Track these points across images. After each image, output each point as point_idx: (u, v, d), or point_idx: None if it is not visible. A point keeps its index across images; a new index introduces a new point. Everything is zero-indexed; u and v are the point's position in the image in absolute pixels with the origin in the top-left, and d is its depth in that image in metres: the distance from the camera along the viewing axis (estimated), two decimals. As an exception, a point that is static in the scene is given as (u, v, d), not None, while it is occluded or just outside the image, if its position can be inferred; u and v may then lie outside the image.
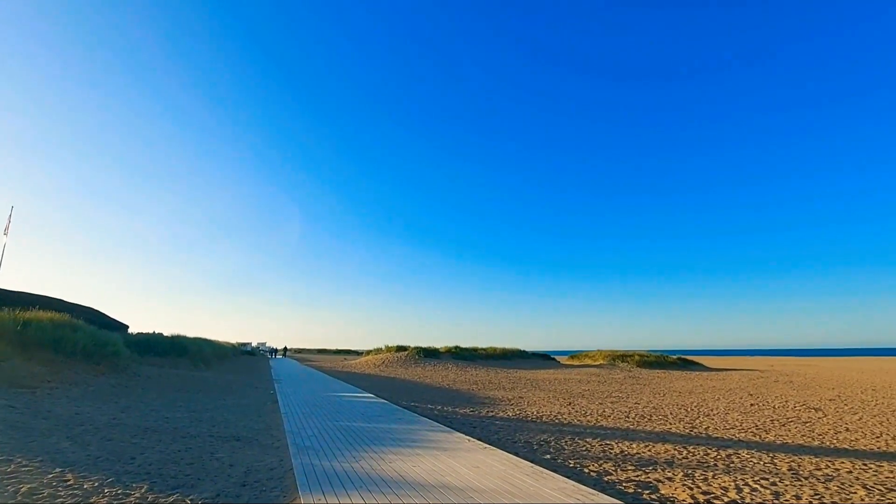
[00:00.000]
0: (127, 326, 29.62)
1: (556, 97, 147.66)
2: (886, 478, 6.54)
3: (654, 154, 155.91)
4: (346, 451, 6.89)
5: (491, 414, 12.19)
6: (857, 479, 6.47)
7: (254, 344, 68.09)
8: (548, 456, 7.38)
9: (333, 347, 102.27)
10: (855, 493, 5.80)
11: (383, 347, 39.33)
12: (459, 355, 35.83)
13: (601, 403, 14.92)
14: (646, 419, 11.74)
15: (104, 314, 27.34)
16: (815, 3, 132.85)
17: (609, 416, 12.09)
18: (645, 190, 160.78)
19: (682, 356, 39.66)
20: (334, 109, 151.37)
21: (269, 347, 66.36)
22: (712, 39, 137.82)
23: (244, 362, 35.49)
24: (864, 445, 8.80)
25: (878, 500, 5.55)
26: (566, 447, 8.13)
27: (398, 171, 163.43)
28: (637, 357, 34.79)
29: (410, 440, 7.85)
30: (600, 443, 8.62)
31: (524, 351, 39.55)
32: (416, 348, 35.61)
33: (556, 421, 11.21)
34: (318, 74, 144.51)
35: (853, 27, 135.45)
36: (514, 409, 13.11)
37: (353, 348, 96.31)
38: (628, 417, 11.99)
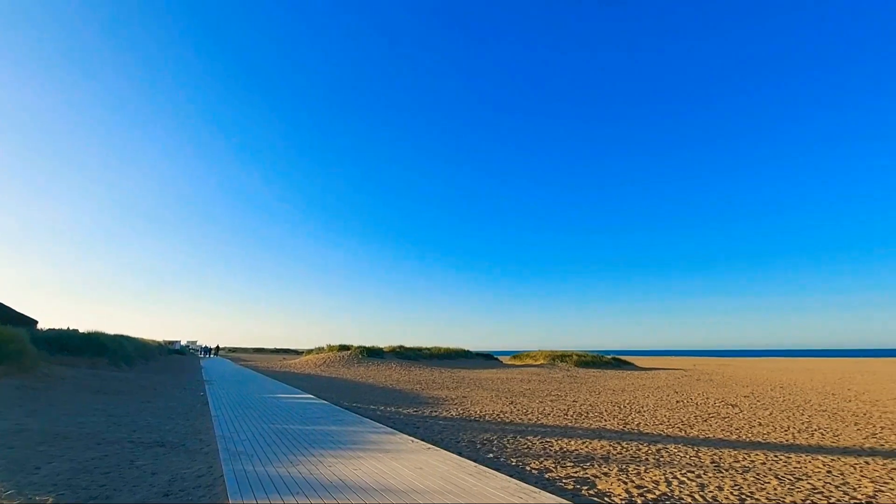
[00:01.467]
0: (35, 322, 26.92)
1: (485, 85, 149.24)
2: (794, 468, 7.14)
3: (595, 149, 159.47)
4: (282, 455, 6.56)
5: (435, 413, 12.15)
6: (770, 469, 7.02)
7: (183, 342, 64.10)
8: (491, 455, 7.42)
9: (272, 347, 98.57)
10: (769, 482, 6.28)
11: (325, 347, 38.33)
12: (404, 355, 35.62)
13: (542, 402, 15.32)
14: (583, 416, 12.16)
15: (7, 307, 24.68)
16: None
17: (549, 415, 12.42)
18: (591, 185, 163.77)
19: (616, 356, 41.72)
20: (276, 95, 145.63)
21: (201, 346, 62.74)
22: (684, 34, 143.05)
23: (172, 362, 33.31)
24: (775, 438, 9.58)
25: (788, 489, 6.04)
26: (508, 445, 8.23)
27: (342, 163, 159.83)
28: (575, 357, 36.19)
29: (351, 442, 7.63)
30: (541, 440, 8.81)
31: (468, 351, 40.01)
32: (359, 348, 34.99)
33: (499, 420, 11.35)
34: (248, 52, 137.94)
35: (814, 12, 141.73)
36: (457, 409, 13.15)
37: (293, 348, 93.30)
38: (567, 415, 12.37)
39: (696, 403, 15.45)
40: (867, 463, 7.48)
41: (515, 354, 43.27)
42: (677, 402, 15.95)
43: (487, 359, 40.02)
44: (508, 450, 7.89)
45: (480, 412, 12.58)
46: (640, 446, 8.51)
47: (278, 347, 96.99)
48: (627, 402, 15.84)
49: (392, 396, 16.07)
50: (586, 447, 8.33)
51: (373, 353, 34.37)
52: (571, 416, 12.30)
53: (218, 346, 65.13)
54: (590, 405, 14.68)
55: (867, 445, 8.90)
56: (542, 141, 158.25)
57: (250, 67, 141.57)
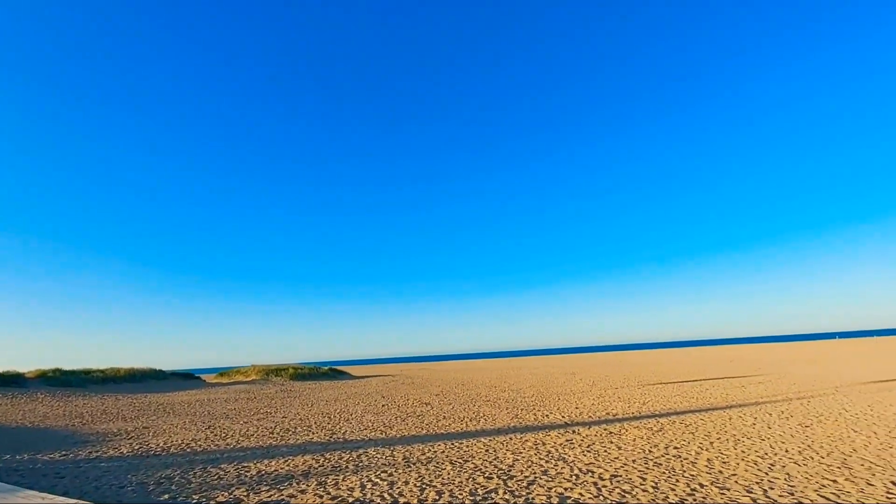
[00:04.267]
0: None
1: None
2: (464, 451, 8.51)
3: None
4: None
5: (96, 454, 9.48)
6: (448, 456, 8.16)
7: None
8: (166, 496, 6.17)
9: None
10: (444, 469, 7.25)
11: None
12: (59, 380, 27.19)
13: (246, 422, 14.02)
14: (290, 432, 11.67)
15: None
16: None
17: (252, 435, 11.41)
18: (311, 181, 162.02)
19: (333, 367, 42.60)
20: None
21: None
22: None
23: None
24: (454, 428, 11.33)
25: (458, 471, 7.09)
26: (194, 480, 7.05)
27: None
28: (291, 370, 35.10)
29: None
30: (237, 466, 7.91)
31: (160, 371, 33.67)
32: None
33: (189, 450, 9.72)
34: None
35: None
36: (132, 444, 10.65)
37: None
38: (273, 433, 11.64)
39: (399, 405, 17.02)
40: (510, 439, 9.59)
41: (223, 371, 38.93)
42: (383, 405, 17.22)
43: (186, 378, 34.60)
44: (192, 485, 6.74)
45: (165, 444, 10.54)
46: (343, 454, 8.65)
47: None
48: (338, 411, 16.15)
49: (29, 439, 11.84)
50: (288, 465, 7.91)
51: (5, 382, 24.96)
52: (278, 433, 11.63)
53: None
54: (300, 419, 14.28)
55: (511, 424, 11.47)
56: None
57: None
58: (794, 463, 6.87)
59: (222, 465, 8.03)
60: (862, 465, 6.60)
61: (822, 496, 5.38)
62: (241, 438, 10.99)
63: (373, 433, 11.11)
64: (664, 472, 6.63)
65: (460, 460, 7.84)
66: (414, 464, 7.70)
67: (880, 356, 31.55)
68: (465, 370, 44.35)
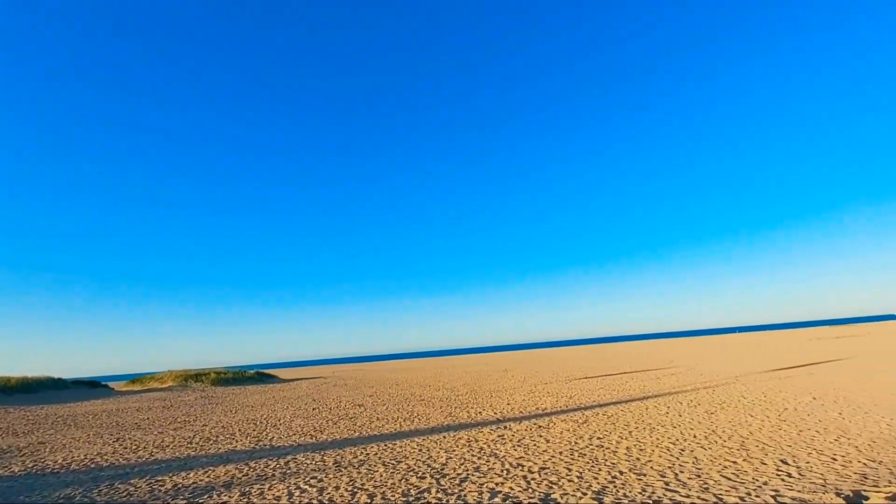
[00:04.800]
0: None
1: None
2: (398, 452, 8.44)
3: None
4: None
5: (-24, 477, 8.33)
6: (380, 458, 8.05)
7: None
8: (64, 518, 5.55)
9: None
10: (377, 470, 7.15)
11: None
12: (-65, 395, 23.66)
13: (161, 432, 12.99)
14: (211, 441, 10.96)
15: None
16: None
17: (168, 446, 10.59)
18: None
19: (260, 370, 40.65)
20: None
21: None
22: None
23: None
24: (388, 429, 11.21)
25: (391, 472, 7.02)
26: (99, 499, 6.41)
27: None
28: (213, 375, 32.99)
29: None
30: (149, 481, 7.29)
31: (59, 379, 30.33)
32: None
33: (93, 466, 8.82)
34: None
35: None
36: (25, 462, 9.49)
37: None
38: (192, 443, 10.87)
39: (330, 408, 16.57)
40: (444, 438, 9.65)
41: (135, 378, 35.82)
42: (314, 409, 16.68)
43: (92, 387, 31.42)
44: (97, 504, 6.12)
45: (65, 460, 9.49)
46: (270, 462, 8.27)
47: None
48: (265, 416, 15.41)
49: None
50: (208, 476, 7.42)
51: None
52: (197, 443, 10.88)
53: None
54: (222, 427, 13.46)
55: (445, 423, 11.56)
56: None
57: None
58: (701, 447, 7.49)
59: (132, 481, 7.37)
60: (757, 446, 7.34)
61: (723, 476, 5.91)
62: (154, 450, 10.16)
63: (302, 438, 10.72)
64: (588, 462, 6.98)
65: (393, 461, 7.76)
66: (345, 467, 7.51)
67: (773, 348, 35.37)
68: (400, 370, 44.12)
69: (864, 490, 5.03)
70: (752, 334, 79.87)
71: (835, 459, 6.34)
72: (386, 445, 9.20)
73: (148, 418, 16.86)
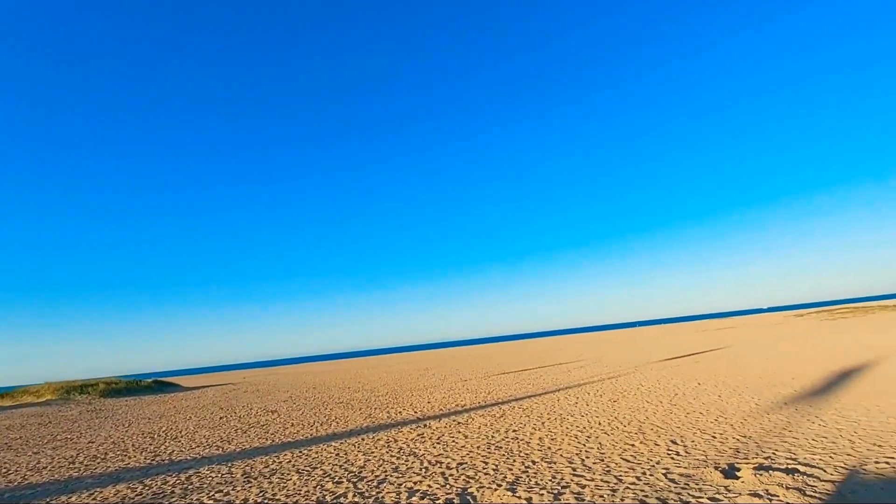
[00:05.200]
0: None
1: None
2: (313, 458, 8.13)
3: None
4: None
5: None
6: (294, 466, 7.70)
7: None
8: None
9: None
10: (290, 479, 6.83)
11: None
12: None
13: (37, 452, 11.38)
14: (99, 460, 9.80)
15: None
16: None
17: (45, 468, 9.29)
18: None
19: (159, 378, 37.16)
20: None
21: None
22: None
23: None
24: (303, 435, 10.76)
25: (305, 480, 6.74)
26: (-52, 536, 5.45)
27: None
28: (102, 385, 29.52)
29: None
30: (17, 511, 6.35)
31: None
32: None
33: (-59, 498, 7.49)
34: None
35: None
36: None
37: None
38: (74, 463, 9.64)
39: (240, 416, 15.57)
40: (363, 440, 9.47)
41: (2, 393, 31.01)
42: (221, 418, 15.57)
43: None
44: (-54, 543, 5.21)
45: None
46: (169, 478, 7.57)
47: None
48: (164, 429, 14.10)
49: None
50: (93, 499, 6.62)
51: None
52: (81, 462, 9.67)
53: None
54: (113, 443, 12.10)
55: (364, 425, 11.36)
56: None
57: None
58: (605, 433, 8.07)
59: (-5, 512, 6.38)
60: (652, 429, 8.06)
61: (623, 459, 6.41)
62: (28, 473, 8.86)
63: (207, 450, 9.95)
64: (504, 455, 7.22)
65: (308, 468, 7.47)
66: (255, 478, 7.09)
67: (666, 340, 39.11)
68: (317, 373, 42.65)
69: (737, 462, 5.72)
70: (650, 328, 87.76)
71: (714, 437, 7.14)
72: (300, 452, 8.83)
73: (20, 437, 14.70)
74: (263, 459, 8.42)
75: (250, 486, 6.61)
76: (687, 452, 6.44)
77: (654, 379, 14.75)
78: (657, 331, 66.08)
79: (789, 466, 5.39)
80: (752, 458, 5.87)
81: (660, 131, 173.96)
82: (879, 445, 5.94)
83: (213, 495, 6.31)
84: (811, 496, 4.47)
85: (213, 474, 7.58)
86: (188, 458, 9.26)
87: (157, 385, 33.40)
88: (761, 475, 5.16)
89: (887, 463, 5.22)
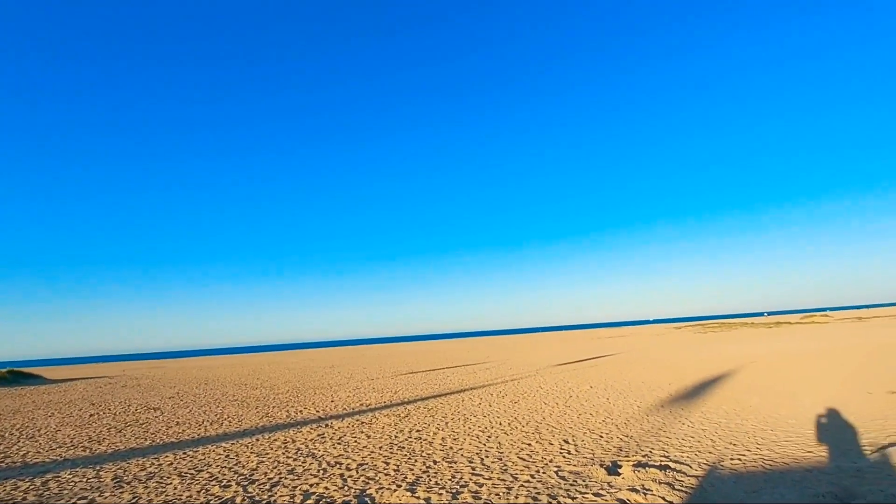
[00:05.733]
0: None
1: None
2: (199, 460, 7.50)
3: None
4: None
5: None
6: (176, 468, 7.04)
7: None
8: None
9: None
10: (171, 483, 6.23)
11: None
12: None
13: None
14: (-77, 464, 8.21)
15: None
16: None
17: None
18: None
19: (16, 368, 32.19)
20: None
21: None
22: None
23: None
24: (188, 435, 9.89)
25: (188, 484, 6.18)
26: None
27: None
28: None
29: None
30: None
31: None
32: None
33: None
34: None
35: None
36: None
37: None
38: None
39: (115, 413, 13.95)
40: (257, 440, 8.93)
41: None
42: (91, 415, 13.83)
43: None
44: None
45: None
46: (21, 483, 6.55)
47: None
48: (19, 426, 12.21)
49: None
50: (-90, 512, 5.52)
51: None
52: None
53: None
54: (-55, 444, 10.21)
55: (260, 424, 10.72)
56: None
57: None
58: (504, 433, 8.38)
59: None
60: (547, 429, 8.51)
61: (520, 458, 6.69)
62: None
63: (71, 451, 8.77)
64: (406, 455, 7.20)
65: (192, 471, 6.87)
66: (129, 483, 6.37)
67: (566, 345, 41.75)
68: (211, 367, 39.62)
69: (619, 460, 6.23)
70: (551, 333, 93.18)
71: (601, 437, 7.72)
72: (185, 454, 8.10)
73: None
74: (140, 462, 7.60)
75: (122, 492, 5.92)
76: (577, 451, 6.88)
77: (552, 382, 15.64)
78: (557, 336, 70.37)
79: (662, 463, 5.98)
80: (633, 455, 6.43)
81: (556, 145, 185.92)
82: (734, 444, 6.81)
83: (76, 502, 5.56)
84: (679, 490, 4.99)
85: (77, 478, 6.69)
86: (46, 460, 8.08)
87: (13, 376, 28.90)
88: (639, 471, 5.66)
89: (739, 460, 5.99)
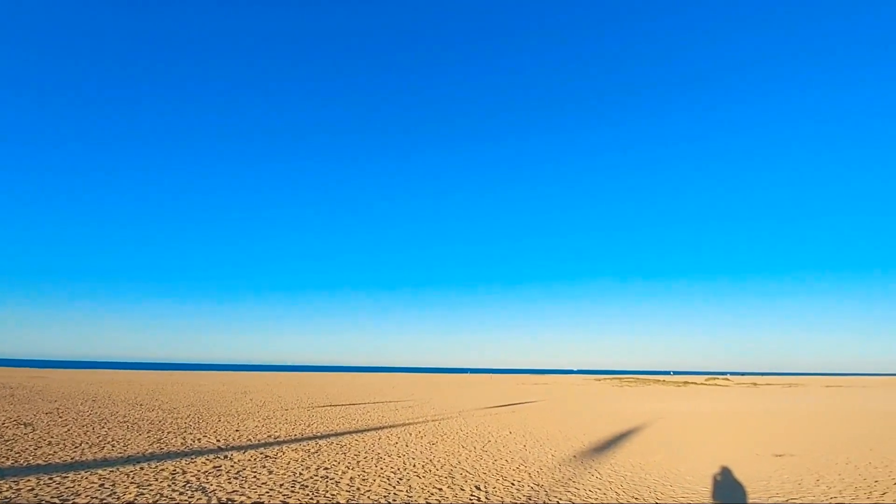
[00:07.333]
0: None
1: None
2: (67, 488, 6.57)
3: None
4: None
5: None
6: (36, 496, 6.12)
7: None
8: None
9: None
10: (24, 514, 5.37)
11: None
12: None
13: None
14: None
15: None
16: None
17: None
18: None
19: None
20: None
21: None
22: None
23: None
24: (61, 458, 8.69)
25: (46, 516, 5.36)
26: None
27: None
28: None
29: None
30: None
31: None
32: None
33: None
34: None
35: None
36: None
37: None
38: None
39: (-27, 428, 12.03)
40: (142, 469, 8.00)
41: None
42: (-59, 428, 11.83)
43: None
44: None
45: None
46: None
47: None
48: None
49: None
50: None
51: None
52: None
53: None
54: None
55: (149, 451, 9.65)
56: None
57: None
58: (417, 476, 8.10)
59: None
60: (461, 474, 8.33)
61: (429, 503, 6.46)
62: None
63: None
64: (307, 494, 6.72)
65: (56, 500, 5.98)
66: (-31, 512, 5.42)
67: (491, 389, 41.86)
68: (105, 381, 35.64)
69: (527, 510, 6.17)
70: (479, 375, 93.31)
71: (513, 484, 7.67)
72: (52, 479, 7.07)
73: None
74: (-10, 487, 6.52)
75: (-44, 523, 5.02)
76: (487, 499, 6.76)
77: (473, 425, 15.51)
78: (482, 378, 70.54)
79: (568, 515, 5.99)
80: (540, 506, 6.41)
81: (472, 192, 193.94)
82: (636, 498, 7.00)
83: None
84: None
85: None
86: None
87: None
88: (544, 523, 5.62)
89: (639, 514, 6.15)
